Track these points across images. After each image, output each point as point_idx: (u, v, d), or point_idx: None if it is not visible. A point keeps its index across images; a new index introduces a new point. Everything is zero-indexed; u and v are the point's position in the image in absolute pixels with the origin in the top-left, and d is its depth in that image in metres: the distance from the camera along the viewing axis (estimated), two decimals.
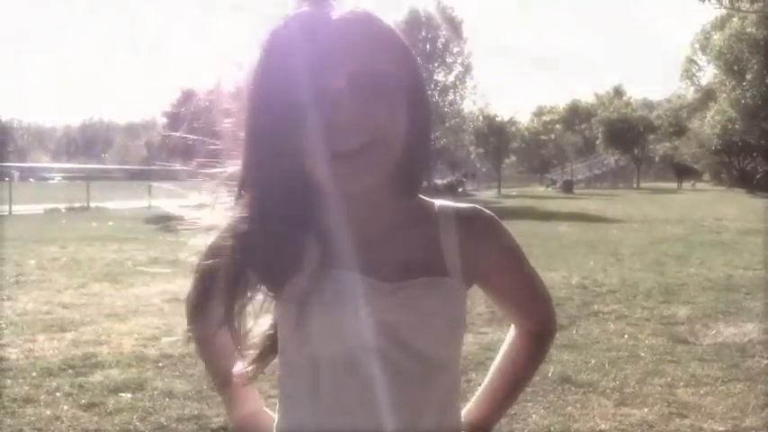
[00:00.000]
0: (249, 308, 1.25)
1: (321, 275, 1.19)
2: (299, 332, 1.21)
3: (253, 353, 1.33)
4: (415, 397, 1.22)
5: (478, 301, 7.97)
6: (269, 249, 1.19)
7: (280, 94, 1.11)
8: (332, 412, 1.21)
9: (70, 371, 5.55)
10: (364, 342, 1.18)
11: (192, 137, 1.28)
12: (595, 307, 8.20)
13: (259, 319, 1.29)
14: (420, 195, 1.31)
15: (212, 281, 1.22)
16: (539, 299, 1.46)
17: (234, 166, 1.23)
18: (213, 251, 1.22)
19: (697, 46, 65.35)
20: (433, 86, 46.85)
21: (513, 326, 1.51)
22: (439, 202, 1.33)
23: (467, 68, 47.29)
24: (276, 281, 1.22)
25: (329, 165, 1.12)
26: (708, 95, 59.03)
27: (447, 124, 47.73)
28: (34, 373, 5.46)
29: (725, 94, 50.98)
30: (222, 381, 1.47)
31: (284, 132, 1.12)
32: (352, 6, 1.15)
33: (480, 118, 54.37)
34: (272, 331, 1.33)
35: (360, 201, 1.21)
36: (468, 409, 1.49)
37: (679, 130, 63.50)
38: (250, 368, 1.33)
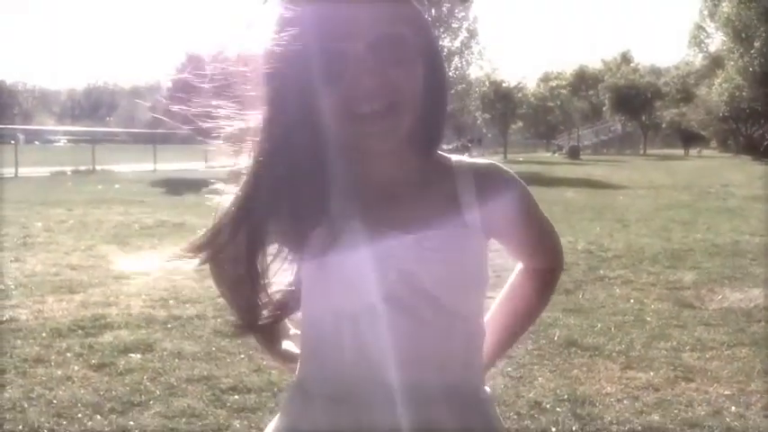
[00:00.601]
0: (272, 264, 1.27)
1: (342, 228, 1.21)
2: (320, 284, 1.23)
3: (273, 309, 1.33)
4: (437, 348, 1.23)
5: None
6: (292, 201, 1.21)
7: (303, 59, 1.15)
8: (355, 363, 1.23)
9: (80, 332, 5.59)
10: (386, 292, 1.20)
11: (196, 101, 1.28)
12: (601, 272, 8.22)
13: (280, 274, 1.30)
14: (439, 152, 1.35)
15: (235, 230, 1.23)
16: (548, 240, 1.49)
17: (247, 124, 1.24)
18: (236, 203, 1.23)
19: (705, 13, 64.73)
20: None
21: (519, 264, 1.52)
22: (455, 158, 1.36)
23: (472, 33, 46.93)
24: (298, 233, 1.23)
25: (352, 125, 1.17)
26: (716, 63, 58.61)
27: (453, 90, 47.51)
28: (44, 334, 5.50)
29: (732, 62, 50.63)
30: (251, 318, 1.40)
31: (309, 94, 1.17)
32: None
33: (487, 83, 54.11)
34: (293, 288, 1.33)
35: (382, 159, 1.25)
36: None
37: (687, 96, 63.18)
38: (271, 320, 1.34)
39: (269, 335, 1.46)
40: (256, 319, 1.31)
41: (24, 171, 24.58)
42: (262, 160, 1.21)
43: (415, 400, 1.21)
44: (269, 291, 1.29)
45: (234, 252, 1.24)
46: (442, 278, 1.22)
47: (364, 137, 1.19)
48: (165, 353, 5.09)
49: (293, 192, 1.21)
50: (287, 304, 1.33)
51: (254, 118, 1.23)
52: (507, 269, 1.55)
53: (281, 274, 1.30)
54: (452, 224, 1.26)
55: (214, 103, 1.26)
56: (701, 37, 69.03)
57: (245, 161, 1.24)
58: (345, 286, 1.21)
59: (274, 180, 1.20)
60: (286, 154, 1.20)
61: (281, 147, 1.20)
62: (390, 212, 1.24)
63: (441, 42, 45.97)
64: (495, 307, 1.51)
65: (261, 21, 1.19)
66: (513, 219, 1.36)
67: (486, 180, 1.32)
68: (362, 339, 1.21)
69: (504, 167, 1.38)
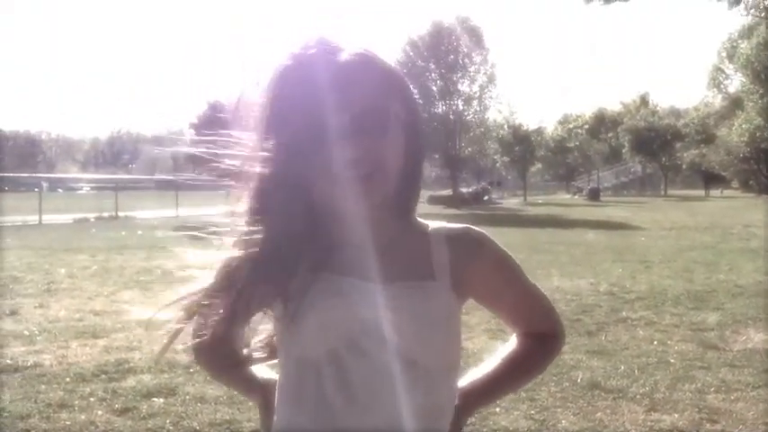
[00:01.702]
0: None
1: (313, 279, 1.27)
2: (290, 332, 1.28)
3: (257, 356, 1.44)
4: (399, 399, 1.24)
5: None
6: (272, 257, 1.27)
7: (292, 129, 1.22)
8: (315, 411, 1.26)
9: (103, 376, 5.63)
10: (349, 340, 1.24)
11: (211, 150, 1.33)
12: (624, 314, 8.17)
13: (261, 324, 1.41)
14: (416, 218, 1.40)
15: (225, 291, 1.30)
16: (537, 310, 1.48)
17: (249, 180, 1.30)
18: (228, 264, 1.30)
19: (724, 54, 64.90)
20: (457, 97, 46.92)
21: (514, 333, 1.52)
22: (433, 224, 1.40)
23: (490, 78, 47.27)
24: (277, 285, 1.29)
25: (337, 188, 1.24)
26: (735, 103, 58.56)
27: (471, 133, 47.71)
28: (68, 379, 5.54)
29: (752, 102, 50.57)
30: (232, 363, 1.47)
31: (296, 157, 1.23)
32: (356, 45, 1.27)
33: (506, 127, 54.31)
34: (274, 335, 1.41)
35: (359, 219, 1.29)
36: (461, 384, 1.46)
37: (707, 138, 62.99)
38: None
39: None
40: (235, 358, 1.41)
41: (48, 218, 24.85)
42: (255, 217, 1.28)
43: None
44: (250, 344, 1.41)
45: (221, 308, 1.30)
46: (406, 329, 1.24)
47: (342, 199, 1.25)
48: (187, 397, 5.10)
49: (274, 250, 1.26)
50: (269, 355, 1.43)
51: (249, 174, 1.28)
52: None
53: (260, 329, 1.42)
54: (420, 277, 1.30)
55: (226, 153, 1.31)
56: (720, 78, 69.18)
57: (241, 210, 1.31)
58: (310, 334, 1.25)
59: (267, 237, 1.26)
60: (270, 217, 1.26)
61: (270, 203, 1.27)
62: (361, 265, 1.29)
63: (459, 87, 46.47)
64: (491, 359, 1.51)
65: (256, 83, 1.28)
66: (488, 281, 1.38)
67: (459, 243, 1.36)
68: (324, 388, 1.24)
69: (479, 230, 1.40)
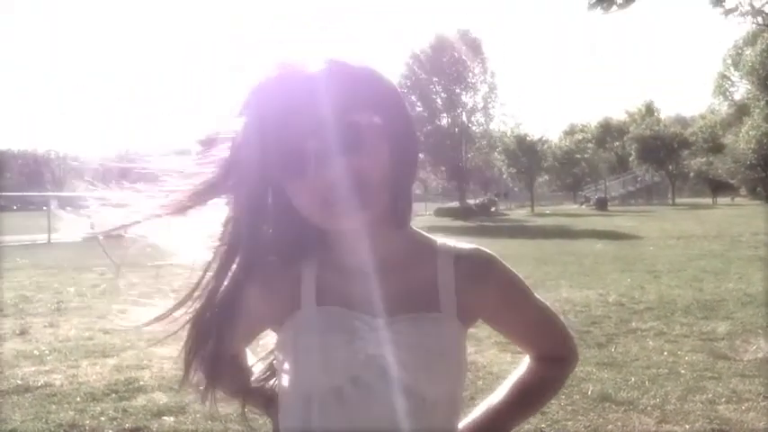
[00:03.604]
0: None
1: (316, 312, 1.27)
2: (292, 366, 1.28)
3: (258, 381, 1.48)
4: None
5: None
6: (265, 290, 1.29)
7: (264, 156, 1.19)
8: None
9: (114, 395, 5.64)
10: (353, 374, 1.23)
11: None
12: (633, 324, 8.16)
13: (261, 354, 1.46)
14: (420, 231, 1.37)
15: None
16: (550, 332, 1.47)
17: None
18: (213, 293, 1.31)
19: (729, 62, 64.89)
20: (461, 108, 47.09)
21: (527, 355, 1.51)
22: (440, 241, 1.37)
23: (491, 87, 47.46)
24: (274, 319, 1.31)
25: (321, 211, 1.20)
26: (741, 110, 58.51)
27: (477, 145, 47.84)
28: (78, 398, 5.56)
29: (759, 109, 50.52)
30: (246, 390, 1.50)
31: (273, 185, 1.23)
32: (320, 61, 1.20)
33: (511, 137, 54.32)
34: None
35: (353, 237, 1.27)
36: (469, 420, 1.46)
37: (714, 146, 62.88)
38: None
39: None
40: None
41: (57, 237, 24.88)
42: (232, 251, 1.28)
43: None
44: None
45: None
46: (410, 363, 1.23)
47: (332, 219, 1.21)
48: (197, 415, 5.10)
49: (265, 282, 1.28)
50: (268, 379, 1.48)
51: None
52: None
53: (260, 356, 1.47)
54: (425, 310, 1.28)
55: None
56: (726, 86, 69.11)
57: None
58: (313, 367, 1.24)
59: (248, 271, 1.28)
60: (255, 247, 1.27)
61: (252, 238, 1.27)
62: (363, 295, 1.27)
63: (462, 98, 46.63)
64: (502, 387, 1.50)
65: (227, 114, 1.24)
66: (497, 305, 1.37)
67: (467, 265, 1.34)
68: (329, 422, 1.24)
69: (488, 252, 1.38)
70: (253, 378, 1.50)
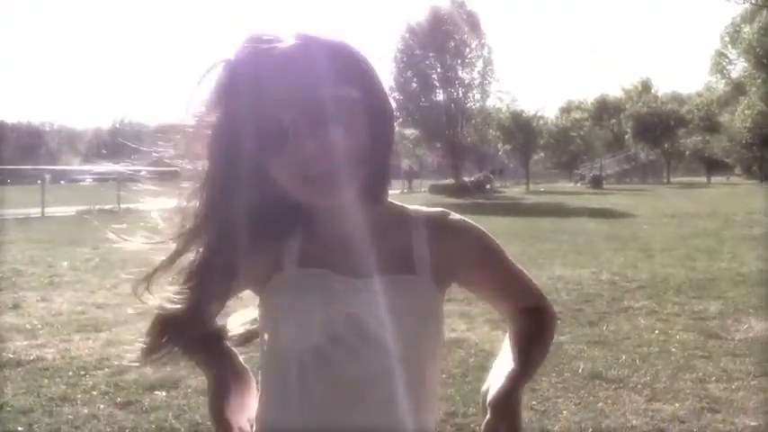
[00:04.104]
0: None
1: (296, 275, 1.28)
2: (271, 327, 1.29)
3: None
4: (382, 392, 1.25)
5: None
6: (249, 254, 1.27)
7: (242, 129, 1.18)
8: (299, 407, 1.26)
9: (106, 370, 5.64)
10: (331, 334, 1.24)
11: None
12: (625, 303, 8.18)
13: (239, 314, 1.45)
14: (392, 201, 1.37)
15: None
16: (525, 285, 1.45)
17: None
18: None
19: (727, 39, 64.69)
20: (457, 84, 46.93)
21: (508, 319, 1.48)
22: (412, 208, 1.39)
23: (487, 62, 47.28)
24: (257, 282, 1.32)
25: (300, 186, 1.21)
26: (738, 89, 58.45)
27: (472, 121, 47.75)
28: (70, 372, 5.56)
29: (755, 88, 50.48)
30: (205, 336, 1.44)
31: (251, 159, 1.20)
32: (294, 34, 1.19)
33: (507, 113, 54.21)
34: (252, 326, 1.44)
35: (333, 212, 1.28)
36: (491, 389, 1.40)
37: (710, 125, 62.87)
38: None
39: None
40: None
41: (50, 210, 24.83)
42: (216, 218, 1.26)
43: None
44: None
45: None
46: (387, 322, 1.24)
47: (310, 196, 1.22)
48: (189, 390, 5.11)
49: (250, 246, 1.26)
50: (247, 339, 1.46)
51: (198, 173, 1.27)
52: None
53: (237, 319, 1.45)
54: (401, 272, 1.29)
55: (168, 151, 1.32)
56: (723, 63, 68.94)
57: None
58: (292, 328, 1.25)
59: (231, 238, 1.25)
60: (236, 218, 1.25)
61: (233, 210, 1.24)
62: (342, 259, 1.28)
63: (459, 74, 46.46)
64: (501, 354, 1.45)
65: (205, 86, 1.23)
66: (471, 261, 1.37)
67: (438, 227, 1.35)
68: (307, 381, 1.25)
69: (458, 216, 1.39)
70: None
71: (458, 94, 47.37)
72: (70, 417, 4.65)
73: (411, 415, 1.26)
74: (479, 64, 47.26)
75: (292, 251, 1.31)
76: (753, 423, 4.46)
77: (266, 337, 1.32)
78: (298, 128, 1.15)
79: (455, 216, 1.39)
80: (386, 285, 1.26)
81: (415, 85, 46.86)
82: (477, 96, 48.11)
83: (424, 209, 1.39)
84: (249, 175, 1.22)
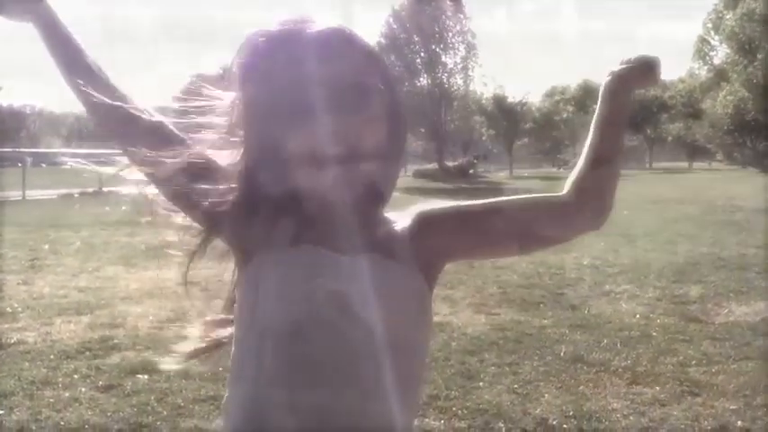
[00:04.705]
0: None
1: (284, 252, 1.26)
2: (251, 301, 1.26)
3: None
4: (362, 373, 1.22)
5: (490, 283, 8.02)
6: (246, 225, 1.28)
7: (269, 106, 1.20)
8: (272, 383, 1.21)
9: (87, 353, 5.62)
10: (312, 310, 1.21)
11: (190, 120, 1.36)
12: (607, 287, 8.22)
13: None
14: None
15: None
16: (524, 208, 1.46)
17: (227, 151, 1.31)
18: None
19: (710, 26, 64.82)
20: (441, 68, 46.88)
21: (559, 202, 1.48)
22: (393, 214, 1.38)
23: (470, 46, 47.27)
24: (244, 253, 1.31)
25: (313, 167, 1.21)
26: (720, 75, 58.63)
27: (456, 104, 47.76)
28: (52, 356, 5.53)
29: (737, 74, 50.70)
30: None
31: (275, 132, 1.21)
32: (334, 22, 1.24)
33: (489, 99, 54.24)
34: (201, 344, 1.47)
35: (332, 200, 1.27)
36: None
37: (693, 111, 63.13)
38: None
39: None
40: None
41: (32, 194, 24.66)
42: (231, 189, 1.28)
43: (334, 428, 1.20)
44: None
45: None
46: (372, 302, 1.22)
47: (319, 177, 1.22)
48: (171, 374, 5.08)
49: (248, 218, 1.28)
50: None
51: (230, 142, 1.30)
52: None
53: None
54: (386, 254, 1.27)
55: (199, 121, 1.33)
56: (706, 50, 69.12)
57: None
58: (273, 302, 1.22)
59: (238, 207, 1.27)
60: (249, 192, 1.27)
61: (247, 182, 1.27)
62: (329, 238, 1.26)
63: (443, 58, 46.43)
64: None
65: (239, 57, 1.25)
66: (450, 229, 1.35)
67: (416, 221, 1.34)
68: (283, 358, 1.21)
69: (424, 209, 1.38)
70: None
71: (441, 78, 47.34)
72: (51, 400, 4.62)
73: (392, 396, 1.23)
74: (462, 47, 47.26)
75: (284, 232, 1.28)
76: (733, 406, 4.49)
77: (244, 312, 1.28)
78: (323, 104, 1.17)
79: (423, 210, 1.36)
80: (373, 264, 1.24)
81: (398, 68, 46.78)
82: (461, 82, 48.12)
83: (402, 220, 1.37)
84: (273, 147, 1.22)
